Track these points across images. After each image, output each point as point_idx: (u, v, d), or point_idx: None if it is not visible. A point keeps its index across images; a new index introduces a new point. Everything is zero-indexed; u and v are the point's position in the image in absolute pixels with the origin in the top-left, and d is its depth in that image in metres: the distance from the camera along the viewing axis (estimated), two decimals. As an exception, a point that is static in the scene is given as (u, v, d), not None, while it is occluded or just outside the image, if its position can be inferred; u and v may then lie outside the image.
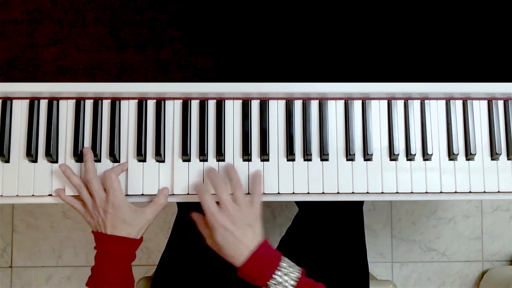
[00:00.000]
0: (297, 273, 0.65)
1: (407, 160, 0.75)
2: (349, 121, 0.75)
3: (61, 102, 0.76)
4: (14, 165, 0.74)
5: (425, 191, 0.75)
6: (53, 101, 0.75)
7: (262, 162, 0.75)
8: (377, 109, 0.76)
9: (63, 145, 0.75)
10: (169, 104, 0.75)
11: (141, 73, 0.74)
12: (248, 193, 0.73)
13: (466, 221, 1.57)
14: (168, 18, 0.75)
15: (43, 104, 0.75)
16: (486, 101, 0.77)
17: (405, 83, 0.74)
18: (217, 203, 0.68)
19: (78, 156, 0.74)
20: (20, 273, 1.52)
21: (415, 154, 0.75)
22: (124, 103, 0.75)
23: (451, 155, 0.75)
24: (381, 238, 1.56)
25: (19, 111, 0.75)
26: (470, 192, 0.75)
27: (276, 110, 0.76)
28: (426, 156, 0.75)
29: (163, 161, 0.75)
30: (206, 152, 0.74)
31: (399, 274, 1.56)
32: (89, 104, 0.75)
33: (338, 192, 0.74)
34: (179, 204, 0.92)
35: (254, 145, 0.75)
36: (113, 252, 0.70)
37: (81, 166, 0.74)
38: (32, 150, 0.73)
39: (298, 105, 0.76)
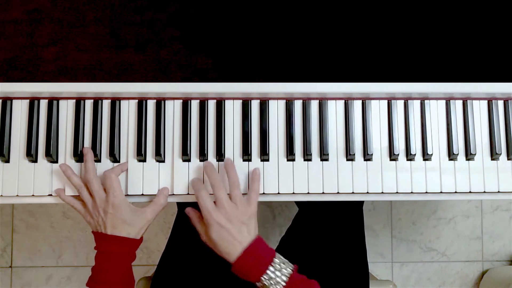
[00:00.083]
0: (289, 269, 0.65)
1: (407, 160, 0.75)
2: (349, 121, 0.75)
3: (61, 102, 0.76)
4: (14, 165, 0.74)
5: (425, 191, 0.75)
6: (53, 101, 0.75)
7: (262, 162, 0.75)
8: (377, 109, 0.76)
9: (63, 145, 0.75)
10: (169, 104, 0.75)
11: (141, 73, 0.74)
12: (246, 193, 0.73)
13: (466, 221, 1.57)
14: (168, 18, 0.75)
15: (43, 104, 0.75)
16: (486, 101, 0.77)
17: (405, 83, 0.74)
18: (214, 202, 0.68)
19: (78, 156, 0.74)
20: (20, 273, 1.52)
21: (415, 154, 0.75)
22: (124, 103, 0.75)
23: (451, 155, 0.75)
24: (381, 238, 1.56)
25: (19, 111, 0.75)
26: (470, 192, 0.75)
27: (276, 110, 0.76)
28: (426, 156, 0.75)
29: (163, 161, 0.75)
30: (206, 152, 0.74)
31: (399, 274, 1.56)
32: (89, 104, 0.75)
33: (338, 192, 0.74)
34: (179, 204, 0.92)
35: (254, 145, 0.75)
36: (113, 252, 0.70)
37: (81, 166, 0.74)
38: (32, 150, 0.73)
39: (298, 105, 0.76)
